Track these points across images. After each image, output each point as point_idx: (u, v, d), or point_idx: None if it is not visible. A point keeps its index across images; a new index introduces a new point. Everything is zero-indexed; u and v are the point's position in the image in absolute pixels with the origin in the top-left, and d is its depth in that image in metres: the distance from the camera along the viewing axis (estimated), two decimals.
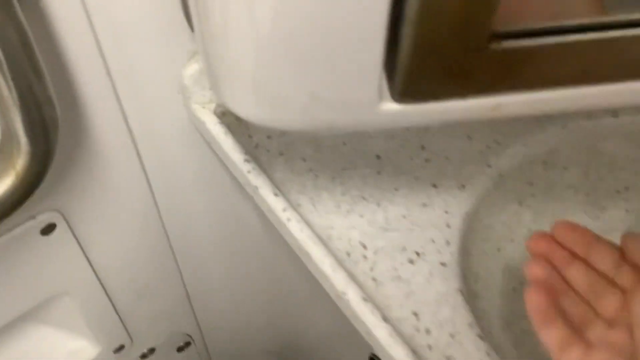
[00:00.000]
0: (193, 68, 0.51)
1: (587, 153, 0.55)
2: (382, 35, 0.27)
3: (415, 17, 0.25)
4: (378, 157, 0.52)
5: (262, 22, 0.28)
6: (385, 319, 0.42)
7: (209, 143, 0.54)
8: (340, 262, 0.44)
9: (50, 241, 0.56)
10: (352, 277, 0.43)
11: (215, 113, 0.53)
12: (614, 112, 0.53)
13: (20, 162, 0.40)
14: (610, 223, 0.57)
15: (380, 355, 0.41)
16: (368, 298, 0.43)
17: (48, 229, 0.55)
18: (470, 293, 0.45)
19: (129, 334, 0.75)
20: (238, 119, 0.54)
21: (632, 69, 0.28)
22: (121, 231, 0.63)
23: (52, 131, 0.39)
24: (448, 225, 0.47)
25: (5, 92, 0.37)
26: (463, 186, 0.50)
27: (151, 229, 0.66)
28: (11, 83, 0.36)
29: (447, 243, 0.46)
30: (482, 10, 0.25)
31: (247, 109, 0.34)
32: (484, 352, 0.41)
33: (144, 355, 0.82)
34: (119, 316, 0.71)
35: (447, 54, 0.26)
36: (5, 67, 0.35)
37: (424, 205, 0.48)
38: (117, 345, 0.74)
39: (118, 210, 0.60)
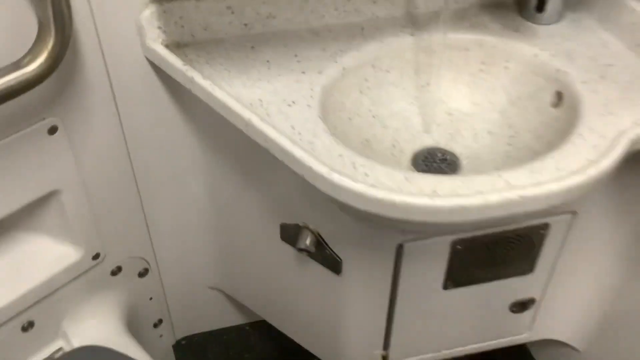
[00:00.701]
0: (147, 13, 0.81)
1: (400, 60, 0.88)
2: None
3: None
4: (268, 61, 0.83)
5: None
6: (279, 130, 0.72)
7: (159, 65, 0.84)
8: (246, 106, 0.75)
9: (52, 140, 0.84)
10: (253, 112, 0.74)
11: (162, 44, 0.84)
12: (410, 32, 0.88)
13: (50, 43, 0.69)
14: (424, 108, 0.89)
15: (280, 155, 0.71)
16: (265, 121, 0.73)
17: (52, 130, 0.83)
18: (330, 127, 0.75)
19: (103, 244, 1.00)
20: (178, 46, 0.84)
21: None
22: (97, 147, 0.90)
23: (68, 27, 0.69)
24: (312, 89, 0.79)
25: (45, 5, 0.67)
26: (320, 72, 0.82)
27: (119, 154, 0.94)
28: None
29: (312, 97, 0.78)
30: None
31: None
32: (332, 140, 0.72)
33: (113, 273, 1.06)
34: (96, 226, 0.97)
35: None
36: None
37: (297, 81, 0.80)
38: (94, 253, 0.99)
39: (97, 128, 0.88)
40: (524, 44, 0.85)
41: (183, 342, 1.35)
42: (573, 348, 1.14)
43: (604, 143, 0.70)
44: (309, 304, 1.05)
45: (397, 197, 0.65)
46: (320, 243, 0.92)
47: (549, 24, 0.88)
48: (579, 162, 0.68)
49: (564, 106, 0.79)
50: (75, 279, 0.98)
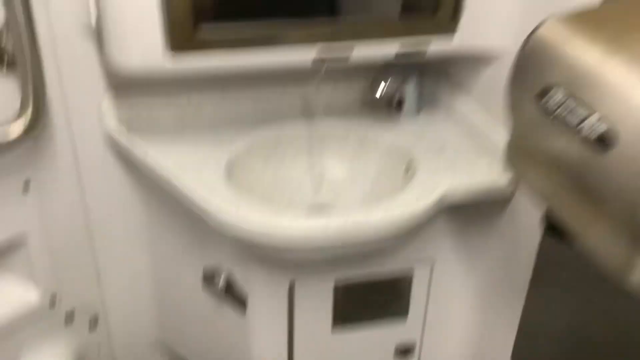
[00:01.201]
0: (106, 102, 1.10)
1: (298, 141, 1.16)
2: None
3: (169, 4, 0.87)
4: (194, 137, 1.11)
5: None
6: (189, 183, 0.98)
7: (114, 140, 1.12)
8: (168, 169, 1.02)
9: (25, 193, 1.09)
10: (174, 172, 1.01)
11: (116, 126, 1.12)
12: (306, 121, 1.17)
13: (29, 115, 0.97)
14: (316, 177, 1.17)
15: (189, 203, 0.97)
16: (181, 178, 1.00)
17: (26, 184, 1.09)
18: (236, 187, 1.01)
19: (59, 291, 1.22)
20: (128, 127, 1.13)
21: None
22: (60, 202, 1.16)
23: (42, 102, 0.98)
24: (222, 158, 1.06)
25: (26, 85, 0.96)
26: (232, 145, 1.09)
27: (77, 210, 1.19)
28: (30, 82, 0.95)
29: (220, 164, 1.05)
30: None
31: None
32: (231, 192, 0.98)
33: (67, 319, 1.27)
34: (53, 273, 1.20)
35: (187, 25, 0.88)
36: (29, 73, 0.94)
37: (212, 151, 1.07)
38: (50, 297, 1.21)
39: (62, 187, 1.14)
40: (387, 131, 1.14)
41: None
42: None
43: (423, 195, 0.96)
44: (229, 348, 1.26)
45: (265, 228, 0.91)
46: (230, 283, 1.15)
47: (408, 118, 1.18)
48: (401, 207, 0.94)
49: (410, 173, 1.06)
50: (30, 322, 1.18)
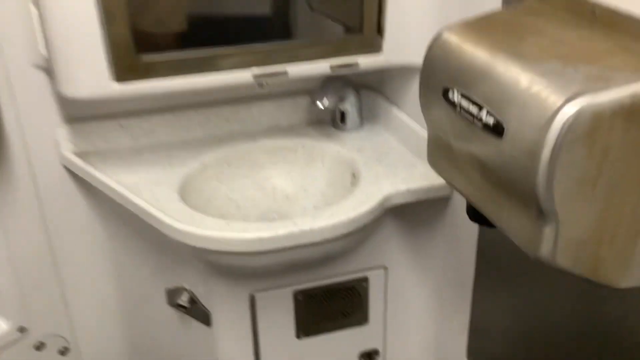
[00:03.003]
0: (61, 130, 1.15)
1: (248, 159, 1.22)
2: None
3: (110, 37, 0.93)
4: (148, 159, 1.17)
5: None
6: (146, 201, 1.03)
7: (70, 168, 1.17)
8: (126, 187, 1.07)
9: None
10: (130, 191, 1.05)
11: (73, 152, 1.17)
12: (254, 138, 1.23)
13: None
14: (268, 193, 1.22)
15: (147, 218, 1.01)
16: (138, 195, 1.05)
17: None
18: (190, 205, 1.07)
19: (28, 319, 1.25)
20: (85, 153, 1.17)
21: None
22: (23, 230, 1.20)
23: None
24: (175, 177, 1.11)
25: None
26: (184, 166, 1.15)
27: (40, 238, 1.23)
28: None
29: (174, 182, 1.10)
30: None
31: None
32: (186, 208, 1.03)
33: (37, 347, 1.29)
34: (21, 302, 1.23)
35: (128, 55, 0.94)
36: None
37: (166, 172, 1.13)
38: (19, 326, 1.24)
39: (23, 215, 1.18)
40: (332, 144, 1.20)
41: None
42: None
43: (367, 198, 1.02)
44: None
45: (219, 234, 0.96)
46: (193, 300, 1.19)
47: (351, 131, 1.24)
48: (346, 210, 1.00)
49: (355, 181, 1.12)
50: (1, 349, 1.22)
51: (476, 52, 0.68)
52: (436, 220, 1.14)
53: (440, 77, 0.72)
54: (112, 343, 1.40)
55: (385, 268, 1.20)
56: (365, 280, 1.20)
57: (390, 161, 1.13)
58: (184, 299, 1.18)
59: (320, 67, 1.06)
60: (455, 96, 0.69)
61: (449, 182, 0.79)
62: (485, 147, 0.66)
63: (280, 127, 1.26)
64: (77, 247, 1.26)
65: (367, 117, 1.27)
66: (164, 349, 1.34)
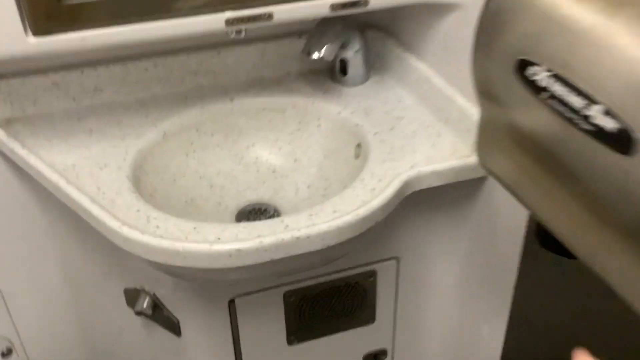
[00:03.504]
0: None
1: (224, 124, 0.95)
2: None
3: None
4: (90, 130, 0.89)
5: None
6: (82, 191, 0.77)
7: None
8: (57, 171, 0.80)
9: None
10: (61, 176, 0.79)
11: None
12: (231, 98, 0.95)
13: None
14: (249, 167, 0.96)
15: (83, 214, 0.75)
16: (72, 183, 0.78)
17: None
18: (143, 195, 0.80)
19: None
20: (8, 122, 0.90)
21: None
22: None
23: None
24: (126, 153, 0.84)
25: None
26: (138, 137, 0.87)
27: None
28: None
29: (124, 160, 0.83)
30: None
31: None
32: (133, 197, 0.76)
33: None
34: None
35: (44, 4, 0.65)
36: None
37: (114, 146, 0.85)
38: None
39: None
40: (330, 103, 0.93)
41: None
42: None
43: (379, 186, 0.76)
44: None
45: (180, 246, 0.70)
46: (157, 305, 0.94)
47: (355, 86, 0.96)
48: (354, 204, 0.74)
49: (361, 156, 0.86)
50: None
51: (580, 7, 0.41)
52: (467, 201, 0.89)
53: (514, 40, 0.45)
54: (65, 343, 1.16)
55: (398, 259, 0.96)
56: (372, 274, 0.96)
57: (407, 128, 0.87)
58: (143, 305, 0.93)
59: (317, 6, 0.78)
60: (539, 75, 0.43)
61: (514, 193, 0.54)
62: (592, 163, 0.41)
63: (263, 81, 0.98)
64: (13, 238, 1.00)
65: (374, 67, 0.99)
66: (128, 353, 1.11)
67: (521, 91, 0.45)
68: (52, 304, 1.11)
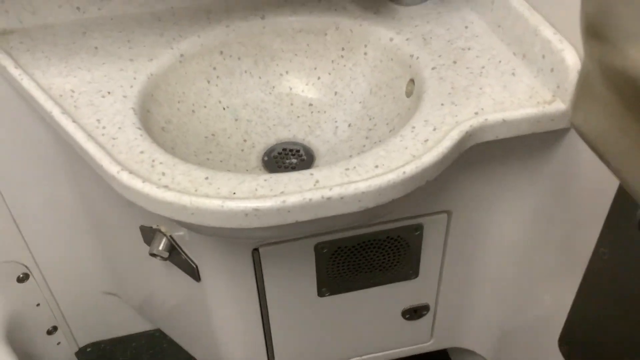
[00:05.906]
0: None
1: (253, 46, 0.80)
2: None
3: None
4: (95, 48, 0.76)
5: None
6: (79, 124, 0.64)
7: None
8: (52, 98, 0.67)
9: None
10: (57, 104, 0.66)
11: None
12: (262, 15, 0.80)
13: None
14: (282, 99, 0.82)
15: (80, 152, 0.64)
16: (68, 113, 0.66)
17: None
18: (152, 131, 0.68)
19: None
20: (3, 33, 0.77)
21: None
22: None
23: None
24: (135, 79, 0.71)
25: None
26: (151, 60, 0.74)
27: None
28: None
29: (131, 87, 0.70)
30: None
31: None
32: (137, 135, 0.64)
33: None
34: None
35: None
36: None
37: (121, 69, 0.72)
38: None
39: None
40: (381, 27, 0.77)
41: (88, 350, 1.28)
42: (483, 357, 1.06)
43: (434, 136, 0.61)
44: (186, 313, 0.98)
45: (188, 200, 0.57)
46: (174, 248, 0.84)
47: (413, 4, 0.80)
48: (401, 159, 0.60)
49: (414, 95, 0.71)
50: None
51: None
52: (540, 155, 0.74)
53: None
54: (81, 268, 1.09)
55: (449, 213, 0.82)
56: (418, 228, 0.83)
57: (474, 63, 0.71)
58: (159, 247, 0.83)
59: None
60: None
61: (607, 160, 0.40)
62: None
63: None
64: (21, 158, 0.90)
65: None
66: (146, 286, 1.02)
67: None
68: (70, 229, 1.03)
